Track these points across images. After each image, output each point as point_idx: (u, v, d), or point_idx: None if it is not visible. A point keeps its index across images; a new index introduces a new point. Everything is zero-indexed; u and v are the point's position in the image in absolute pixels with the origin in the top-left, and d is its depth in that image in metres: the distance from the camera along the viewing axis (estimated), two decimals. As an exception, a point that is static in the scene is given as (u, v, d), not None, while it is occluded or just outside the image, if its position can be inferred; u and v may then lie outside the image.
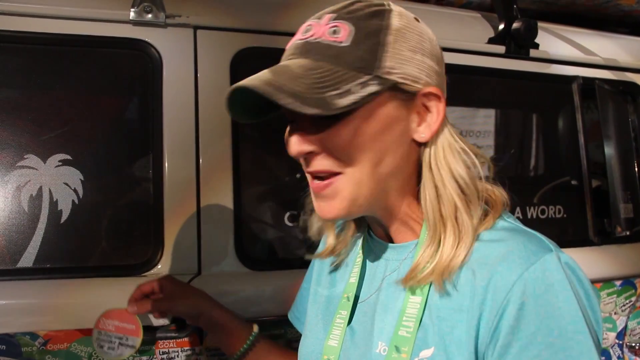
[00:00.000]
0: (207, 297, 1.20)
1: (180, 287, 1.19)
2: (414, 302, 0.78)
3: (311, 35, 0.76)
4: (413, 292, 0.78)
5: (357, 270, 0.92)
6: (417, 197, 0.82)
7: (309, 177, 0.81)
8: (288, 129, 0.80)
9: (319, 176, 0.79)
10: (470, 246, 0.75)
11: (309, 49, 0.76)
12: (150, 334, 1.27)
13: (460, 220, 0.76)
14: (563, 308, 0.68)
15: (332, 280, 0.99)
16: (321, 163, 0.77)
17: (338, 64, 0.73)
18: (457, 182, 0.77)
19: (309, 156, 0.78)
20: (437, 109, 0.78)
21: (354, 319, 0.89)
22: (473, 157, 0.80)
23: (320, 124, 0.75)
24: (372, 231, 0.92)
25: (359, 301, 0.90)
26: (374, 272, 0.90)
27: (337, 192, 0.78)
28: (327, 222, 0.96)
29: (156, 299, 1.17)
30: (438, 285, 0.75)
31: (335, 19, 0.76)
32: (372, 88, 0.73)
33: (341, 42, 0.74)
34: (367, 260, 0.92)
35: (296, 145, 0.77)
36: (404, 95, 0.76)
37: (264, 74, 0.74)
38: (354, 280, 0.91)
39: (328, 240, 0.98)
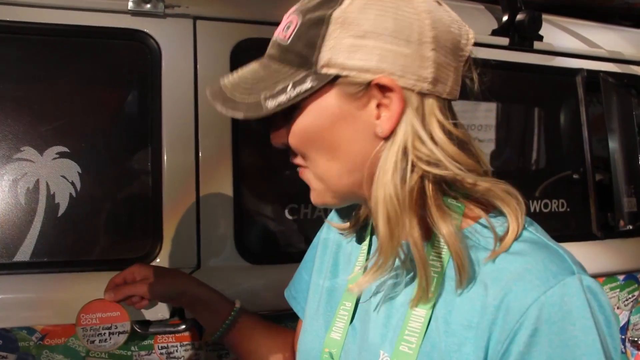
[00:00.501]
0: (185, 275, 1.17)
1: (154, 270, 1.15)
2: (417, 316, 0.73)
3: (276, 33, 0.76)
4: (417, 304, 0.73)
5: (362, 259, 0.88)
6: None
7: None
8: None
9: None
10: (453, 228, 0.69)
11: (270, 47, 0.76)
12: (147, 328, 1.26)
13: (435, 209, 0.70)
14: (579, 337, 0.62)
15: (334, 270, 0.94)
16: (293, 155, 0.78)
17: (282, 62, 0.72)
18: (431, 168, 0.68)
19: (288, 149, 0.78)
20: (394, 99, 0.68)
21: (356, 316, 0.85)
22: (451, 171, 0.69)
23: (282, 120, 0.75)
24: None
25: (361, 300, 0.85)
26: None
27: (310, 182, 0.78)
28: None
29: (132, 285, 1.13)
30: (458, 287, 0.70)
31: (292, 12, 0.73)
32: (306, 85, 0.69)
33: (287, 39, 0.71)
34: (372, 250, 0.87)
35: (271, 138, 0.78)
36: (352, 87, 0.69)
37: (227, 77, 0.76)
38: (359, 269, 0.87)
39: (335, 223, 0.96)
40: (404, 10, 0.68)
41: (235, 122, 1.40)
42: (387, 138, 0.70)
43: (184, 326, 1.31)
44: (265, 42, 1.46)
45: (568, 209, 1.86)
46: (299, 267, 1.09)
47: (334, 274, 0.94)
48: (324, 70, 0.69)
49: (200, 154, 1.36)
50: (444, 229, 0.69)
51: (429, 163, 0.68)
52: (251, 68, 0.76)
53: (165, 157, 1.34)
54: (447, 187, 0.73)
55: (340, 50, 0.68)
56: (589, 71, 1.87)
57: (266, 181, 1.53)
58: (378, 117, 0.70)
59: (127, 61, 1.41)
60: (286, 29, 0.72)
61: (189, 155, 1.36)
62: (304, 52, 0.70)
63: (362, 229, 0.92)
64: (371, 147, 0.71)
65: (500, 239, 0.70)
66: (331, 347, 0.85)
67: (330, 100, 0.71)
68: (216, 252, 1.37)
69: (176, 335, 1.32)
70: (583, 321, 0.63)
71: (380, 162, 0.70)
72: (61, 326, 1.25)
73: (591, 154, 1.86)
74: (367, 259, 0.87)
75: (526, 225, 0.73)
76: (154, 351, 1.30)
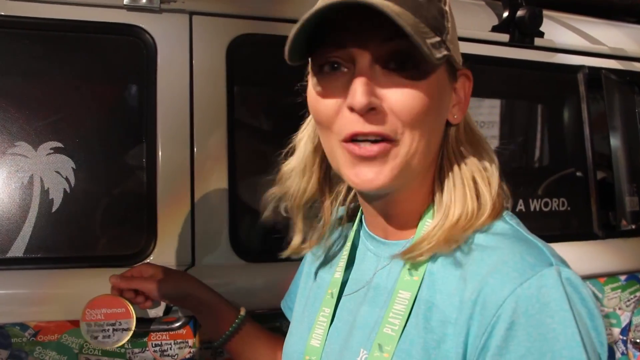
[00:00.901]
0: (192, 278, 1.18)
1: (162, 269, 1.16)
2: (402, 298, 0.72)
3: None
4: (403, 286, 0.73)
5: (342, 264, 0.87)
6: (431, 185, 0.76)
7: (343, 144, 0.70)
8: (330, 77, 0.69)
9: (368, 139, 0.68)
10: (487, 222, 0.70)
11: None
12: (142, 326, 1.25)
13: (481, 196, 0.72)
14: (558, 330, 0.60)
15: (320, 273, 0.94)
16: (382, 123, 0.66)
17: (418, 15, 0.64)
18: (479, 160, 0.74)
19: (370, 113, 0.66)
20: (468, 90, 0.76)
21: (337, 317, 0.84)
22: (487, 142, 0.78)
23: (396, 78, 0.66)
24: (366, 223, 0.86)
25: (344, 295, 0.85)
26: (362, 268, 0.84)
27: (389, 159, 0.68)
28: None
29: (140, 279, 1.14)
30: (443, 253, 0.70)
31: None
32: (445, 51, 0.66)
33: None
34: (357, 255, 0.87)
35: (365, 95, 0.64)
36: (451, 69, 0.72)
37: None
38: (338, 275, 0.86)
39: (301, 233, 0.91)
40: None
41: (231, 119, 1.38)
42: (449, 124, 0.75)
43: (178, 324, 1.30)
44: (262, 37, 1.47)
45: (569, 208, 1.84)
46: (293, 278, 1.10)
47: (319, 277, 0.94)
48: (449, 45, 0.69)
49: (195, 150, 1.35)
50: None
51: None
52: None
53: (160, 153, 1.33)
54: None
55: (454, 32, 0.71)
56: (591, 68, 1.85)
57: (262, 178, 1.52)
58: (454, 105, 0.74)
59: (123, 57, 1.40)
60: None
61: (184, 152, 1.35)
62: (438, 18, 0.68)
63: (345, 233, 0.92)
64: (442, 129, 0.74)
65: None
66: (311, 354, 0.84)
67: (443, 74, 0.71)
68: (211, 249, 1.36)
69: (170, 333, 1.31)
70: (562, 313, 0.61)
71: (456, 142, 0.76)
72: (54, 323, 1.24)
73: (593, 152, 1.84)
74: (347, 265, 0.87)
75: (506, 218, 0.73)
76: (147, 349, 1.29)
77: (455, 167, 0.74)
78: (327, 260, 0.94)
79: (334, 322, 0.84)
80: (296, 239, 0.90)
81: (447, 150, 0.75)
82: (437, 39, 0.66)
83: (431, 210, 0.76)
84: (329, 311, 0.84)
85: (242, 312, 1.14)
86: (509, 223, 0.73)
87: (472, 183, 0.73)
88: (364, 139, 0.67)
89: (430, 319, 0.69)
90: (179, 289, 1.14)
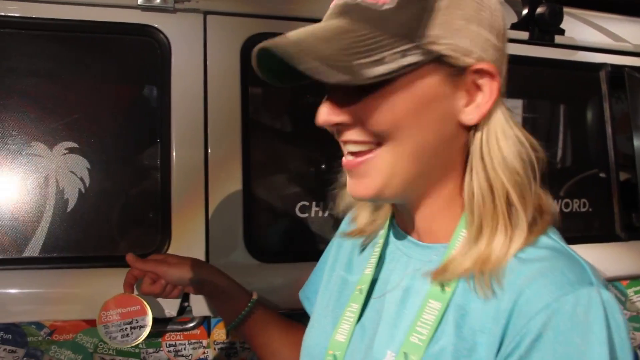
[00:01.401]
0: (205, 263, 1.18)
1: (176, 255, 1.17)
2: (432, 308, 0.69)
3: None
4: (434, 296, 0.70)
5: (374, 261, 0.84)
6: (459, 190, 0.73)
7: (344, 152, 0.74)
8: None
9: (352, 152, 0.71)
10: (521, 247, 0.67)
11: (347, 10, 0.68)
12: (157, 326, 1.24)
13: (514, 216, 0.68)
14: (585, 353, 0.58)
15: (348, 266, 0.92)
16: (353, 134, 0.70)
17: (376, 28, 0.65)
18: (510, 173, 0.68)
19: (340, 127, 0.70)
20: (490, 88, 0.68)
21: (364, 315, 0.82)
22: (529, 148, 0.69)
23: (354, 94, 0.67)
24: (397, 221, 0.84)
25: (373, 296, 0.82)
26: (392, 267, 0.82)
27: (370, 170, 0.70)
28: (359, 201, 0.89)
29: (154, 263, 1.13)
30: (477, 284, 0.67)
31: None
32: (412, 59, 0.64)
33: (383, 5, 0.66)
34: (387, 253, 0.84)
35: (324, 114, 0.70)
36: (451, 69, 0.67)
37: (292, 34, 0.66)
38: (369, 271, 0.84)
39: (359, 220, 0.90)
40: (491, 2, 0.70)
41: (245, 118, 1.38)
42: (469, 127, 0.70)
43: (192, 324, 1.30)
44: (277, 36, 1.45)
45: (590, 209, 1.80)
46: (314, 269, 1.08)
47: (347, 270, 0.92)
48: (431, 47, 0.65)
49: (209, 150, 1.35)
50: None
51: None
52: (326, 28, 0.67)
53: (174, 153, 1.33)
54: None
55: (448, 29, 0.66)
56: (613, 66, 1.80)
57: (277, 178, 1.51)
58: (468, 104, 0.69)
59: (137, 57, 1.40)
60: None
61: (198, 151, 1.34)
62: (409, 24, 0.65)
63: (379, 228, 0.88)
64: (450, 134, 0.70)
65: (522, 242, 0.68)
66: (335, 349, 0.82)
67: (429, 79, 0.67)
68: (225, 249, 1.35)
69: (184, 333, 1.31)
70: (592, 336, 0.59)
71: (484, 148, 0.69)
72: (69, 322, 1.25)
73: (615, 152, 1.79)
74: (382, 261, 0.84)
75: (549, 233, 0.70)
76: (161, 349, 1.29)
77: (482, 175, 0.69)
78: (355, 255, 0.92)
79: (361, 320, 0.82)
80: (361, 220, 0.91)
81: (472, 155, 0.70)
82: (400, 48, 0.64)
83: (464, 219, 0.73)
84: (356, 307, 0.82)
85: (255, 296, 1.15)
86: (551, 238, 0.70)
87: (504, 197, 0.68)
88: (350, 151, 0.72)
89: (463, 326, 0.67)
90: (194, 274, 1.13)
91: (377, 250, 0.85)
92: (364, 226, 0.90)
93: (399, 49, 0.64)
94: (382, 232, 0.86)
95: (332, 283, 0.93)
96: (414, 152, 0.68)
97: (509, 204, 0.68)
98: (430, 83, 0.67)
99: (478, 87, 0.69)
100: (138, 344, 1.24)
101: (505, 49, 0.72)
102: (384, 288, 0.81)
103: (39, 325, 1.24)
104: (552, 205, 0.73)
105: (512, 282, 0.64)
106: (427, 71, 0.66)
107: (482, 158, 0.69)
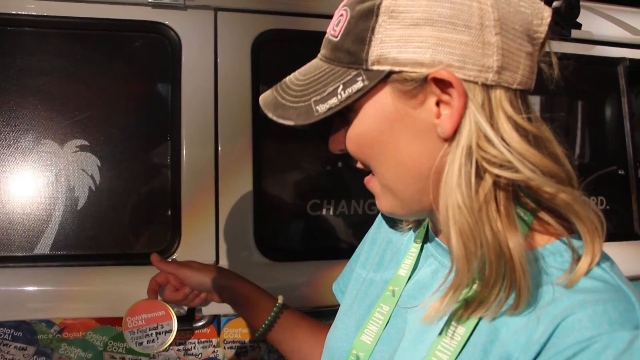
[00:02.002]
0: (226, 270, 1.15)
1: (199, 263, 1.14)
2: (455, 333, 0.65)
3: (328, 29, 0.69)
4: (458, 319, 0.65)
5: (410, 262, 0.79)
6: None
7: None
8: None
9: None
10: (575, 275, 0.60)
11: (322, 45, 0.69)
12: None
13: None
14: None
15: (378, 265, 0.88)
16: (356, 159, 0.71)
17: (333, 61, 0.65)
18: (453, 201, 0.60)
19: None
20: (453, 95, 0.60)
21: (390, 322, 0.78)
22: (523, 160, 0.59)
23: (343, 124, 0.69)
24: (431, 226, 0.79)
25: (400, 304, 0.78)
26: (422, 274, 0.77)
27: (376, 191, 0.71)
28: None
29: (176, 266, 1.12)
30: (512, 311, 0.61)
31: (343, 6, 0.67)
32: (358, 85, 0.62)
33: (337, 35, 0.65)
34: (422, 256, 0.80)
35: (329, 144, 0.73)
36: (407, 84, 0.61)
37: (283, 80, 0.72)
38: (404, 273, 0.79)
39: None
40: None
41: (256, 117, 1.37)
42: (451, 139, 0.61)
43: (201, 323, 1.29)
44: (288, 33, 1.44)
45: (608, 207, 1.76)
46: (349, 261, 1.03)
47: (377, 269, 0.88)
48: (376, 67, 0.62)
49: (219, 148, 1.34)
50: (511, 241, 0.59)
51: (499, 166, 0.59)
52: (305, 68, 0.70)
53: (184, 151, 1.32)
54: (521, 194, 0.63)
55: (390, 43, 0.61)
56: (632, 60, 1.77)
57: (287, 176, 1.50)
58: (438, 116, 0.62)
59: (147, 54, 1.39)
60: (336, 24, 0.66)
61: (208, 149, 1.33)
62: (352, 49, 0.63)
63: (416, 228, 0.84)
64: (436, 150, 0.63)
65: (569, 270, 0.61)
66: (359, 349, 0.78)
67: (384, 100, 0.63)
68: (235, 248, 1.34)
69: (194, 332, 1.30)
70: None
71: (446, 167, 0.61)
72: (79, 320, 1.25)
73: (633, 148, 1.76)
74: (415, 264, 0.79)
75: (599, 261, 0.62)
76: (171, 347, 1.29)
77: (489, 196, 0.61)
78: (388, 252, 0.88)
79: (388, 325, 0.78)
80: None
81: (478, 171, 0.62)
82: (348, 77, 0.63)
83: None
84: (387, 309, 0.78)
85: (280, 300, 1.10)
86: (600, 266, 0.61)
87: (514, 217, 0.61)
88: None
89: (490, 352, 0.62)
90: (216, 279, 1.10)
91: (415, 250, 0.80)
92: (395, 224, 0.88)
93: (347, 78, 0.63)
94: (420, 231, 0.82)
95: (360, 282, 0.90)
96: (402, 174, 0.65)
97: (507, 204, 0.62)
98: (386, 103, 0.63)
99: (448, 95, 0.61)
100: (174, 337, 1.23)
101: (500, 34, 0.59)
102: (413, 297, 0.77)
103: (49, 323, 1.24)
104: (596, 222, 0.61)
105: (549, 313, 0.58)
106: (382, 93, 0.63)
107: (440, 180, 0.63)
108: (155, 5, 1.33)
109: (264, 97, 0.71)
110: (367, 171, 0.71)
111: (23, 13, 1.28)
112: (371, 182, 0.71)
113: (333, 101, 0.63)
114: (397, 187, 0.67)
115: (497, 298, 0.61)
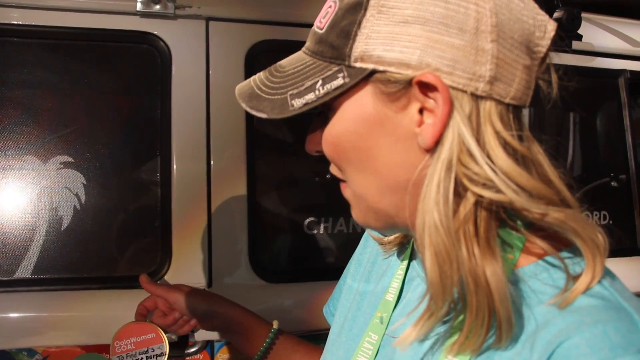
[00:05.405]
0: (218, 296, 1.11)
1: (189, 286, 1.10)
2: None
3: (315, 21, 0.65)
4: (451, 351, 0.59)
5: (397, 285, 0.75)
6: None
7: None
8: None
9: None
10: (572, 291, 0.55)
11: (308, 38, 0.65)
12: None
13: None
14: None
15: (368, 274, 0.84)
16: (331, 164, 0.67)
17: (315, 54, 0.61)
18: (429, 220, 0.55)
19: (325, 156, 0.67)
20: (438, 102, 0.54)
21: (380, 352, 0.73)
22: (504, 195, 0.54)
23: (321, 123, 0.64)
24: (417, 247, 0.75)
25: (389, 333, 0.73)
26: (409, 298, 0.73)
27: (348, 198, 0.67)
28: None
29: (165, 289, 1.08)
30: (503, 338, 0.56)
31: None
32: (337, 82, 0.57)
33: (322, 28, 0.61)
34: (407, 278, 0.75)
35: (305, 144, 0.69)
36: (391, 86, 0.57)
37: (263, 71, 0.67)
38: (390, 298, 0.74)
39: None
40: None
41: (250, 130, 1.32)
42: (432, 151, 0.56)
43: (194, 349, 1.24)
44: (282, 44, 1.40)
45: (610, 221, 1.74)
46: (337, 283, 0.98)
47: (367, 279, 0.84)
48: (358, 64, 0.57)
49: (212, 163, 1.29)
50: (488, 269, 0.54)
51: (482, 184, 0.54)
52: (288, 59, 0.66)
53: (175, 167, 1.28)
54: (507, 215, 0.58)
55: (377, 40, 0.56)
56: (633, 72, 1.77)
57: (283, 192, 1.45)
58: (420, 124, 0.57)
59: (136, 65, 1.35)
60: (323, 16, 0.62)
61: (200, 164, 1.29)
62: (336, 43, 0.58)
63: (402, 246, 0.79)
64: (415, 161, 0.58)
65: (563, 289, 0.56)
66: None
67: (365, 100, 0.58)
68: (229, 269, 1.29)
69: (186, 358, 1.24)
70: None
71: (425, 180, 0.56)
72: (64, 348, 1.19)
73: (635, 161, 1.75)
74: (401, 287, 0.74)
75: (604, 282, 0.57)
76: (162, 375, 1.22)
77: (469, 217, 0.56)
78: (380, 263, 0.83)
79: (378, 355, 0.73)
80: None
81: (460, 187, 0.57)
82: (329, 72, 0.58)
83: None
84: (377, 338, 0.73)
85: (275, 325, 1.07)
86: (600, 282, 0.57)
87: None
88: None
89: None
90: (207, 304, 1.07)
91: (401, 273, 0.76)
92: (379, 240, 0.81)
93: (327, 73, 0.58)
94: (407, 250, 0.77)
95: (349, 297, 0.86)
96: (376, 183, 0.61)
97: (488, 227, 0.57)
98: (367, 104, 0.58)
99: (433, 101, 0.56)
100: None
101: (496, 41, 0.54)
102: (402, 326, 0.70)
103: (31, 352, 1.18)
104: (598, 239, 0.57)
105: (542, 338, 0.54)
106: (362, 92, 0.58)
107: (420, 194, 0.58)
108: (144, 15, 1.28)
109: (240, 87, 0.67)
110: (340, 178, 0.66)
111: (6, 22, 1.22)
112: (346, 190, 0.66)
113: (310, 97, 0.59)
114: (371, 198, 0.62)
115: (483, 327, 0.55)
